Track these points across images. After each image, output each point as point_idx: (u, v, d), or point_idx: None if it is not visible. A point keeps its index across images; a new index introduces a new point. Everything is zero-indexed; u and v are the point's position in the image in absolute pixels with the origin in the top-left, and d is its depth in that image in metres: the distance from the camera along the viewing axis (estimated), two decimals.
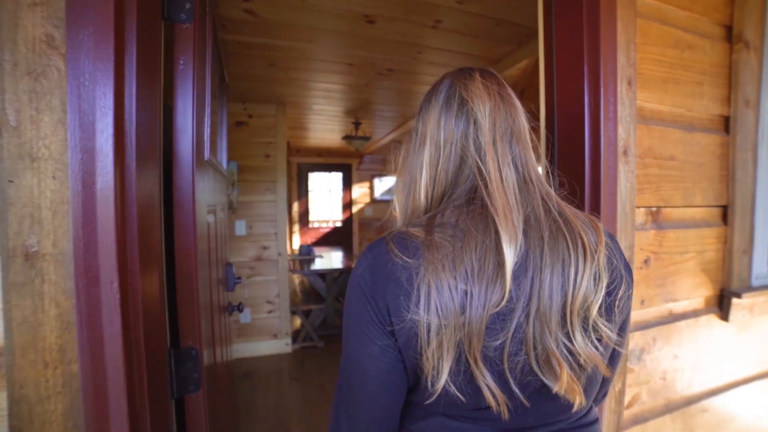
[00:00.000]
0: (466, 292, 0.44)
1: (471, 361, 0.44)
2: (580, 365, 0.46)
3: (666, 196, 0.94)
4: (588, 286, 0.46)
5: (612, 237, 0.56)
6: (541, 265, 0.45)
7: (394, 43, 2.07)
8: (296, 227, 6.43)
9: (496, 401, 0.44)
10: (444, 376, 0.44)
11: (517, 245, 0.45)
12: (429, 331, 0.44)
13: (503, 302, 0.44)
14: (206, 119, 0.95)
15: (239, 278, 1.79)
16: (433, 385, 0.45)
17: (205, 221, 0.94)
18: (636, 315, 0.90)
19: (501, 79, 0.57)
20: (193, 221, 0.77)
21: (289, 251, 5.50)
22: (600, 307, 0.47)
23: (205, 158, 0.96)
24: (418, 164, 0.56)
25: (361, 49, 2.15)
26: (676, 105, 0.94)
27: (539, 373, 0.45)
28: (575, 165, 0.87)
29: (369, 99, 3.23)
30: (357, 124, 4.15)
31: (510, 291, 0.44)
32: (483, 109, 0.52)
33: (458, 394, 0.45)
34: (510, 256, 0.44)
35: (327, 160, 6.47)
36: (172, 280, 0.77)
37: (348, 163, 6.61)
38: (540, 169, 0.57)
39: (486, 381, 0.44)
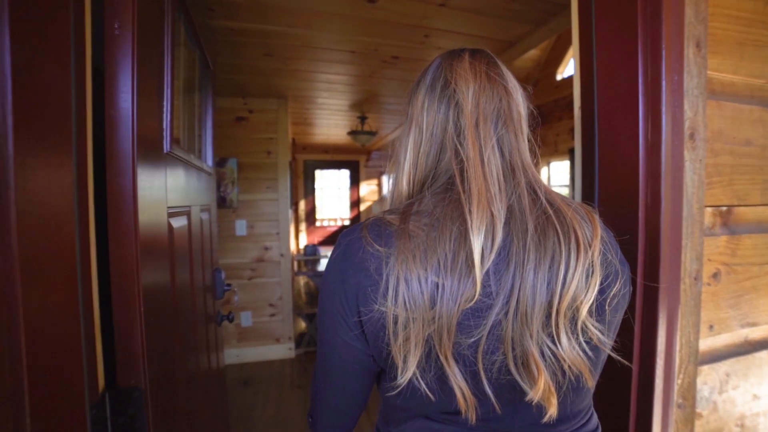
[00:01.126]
0: (437, 285, 0.42)
1: (441, 358, 0.42)
2: (563, 371, 0.43)
3: (741, 192, 0.74)
4: (579, 284, 0.43)
5: (607, 230, 0.50)
6: (523, 260, 0.42)
7: (399, 26, 1.88)
8: (303, 226, 6.30)
9: (466, 403, 0.42)
10: (410, 371, 0.42)
11: (494, 234, 0.42)
12: (396, 324, 0.42)
13: (476, 296, 0.41)
14: (165, 104, 0.79)
15: (228, 285, 1.63)
16: (398, 377, 0.43)
17: (163, 226, 0.78)
18: (703, 344, 0.70)
19: (494, 58, 0.54)
20: (133, 227, 0.60)
21: (295, 251, 5.37)
22: (591, 307, 0.44)
23: (165, 150, 0.79)
24: (403, 149, 0.55)
25: (363, 34, 1.96)
26: (754, 75, 0.74)
27: (516, 375, 0.43)
28: (624, 151, 0.67)
29: (374, 91, 3.05)
30: (363, 119, 3.97)
31: (483, 285, 0.42)
32: (466, 91, 0.49)
33: (427, 392, 0.43)
34: (477, 246, 0.41)
35: (334, 157, 6.32)
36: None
37: (356, 160, 6.44)
38: (529, 156, 0.52)
39: (457, 380, 0.42)
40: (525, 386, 0.43)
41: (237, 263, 3.22)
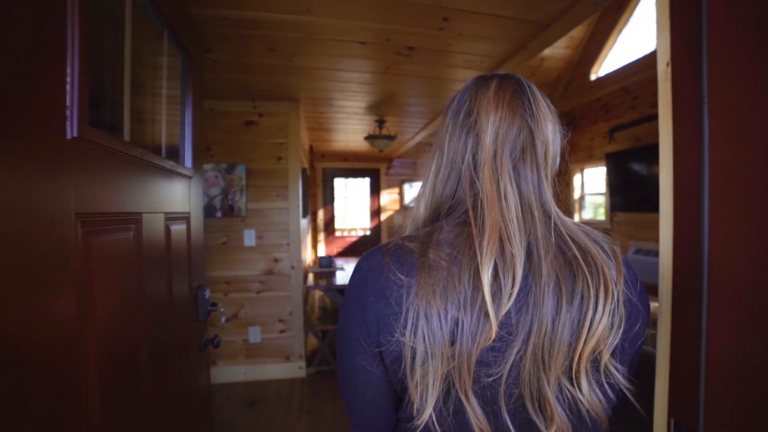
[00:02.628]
0: (457, 322, 0.41)
1: (461, 395, 0.41)
2: (580, 414, 0.43)
3: None
4: (605, 328, 0.42)
5: (628, 264, 0.48)
6: (542, 302, 0.41)
7: (413, 8, 1.64)
8: (322, 236, 6.12)
9: None
10: (428, 412, 0.42)
11: (514, 273, 0.41)
12: (414, 360, 0.42)
13: (492, 336, 0.41)
14: (70, 69, 0.57)
15: (214, 305, 1.41)
16: (417, 415, 0.42)
17: (62, 240, 0.55)
18: None
19: (522, 86, 0.51)
20: None
21: (311, 262, 5.18)
22: (615, 350, 0.44)
23: (70, 135, 0.58)
24: (427, 174, 0.55)
25: (373, 19, 1.74)
26: None
27: (533, 416, 0.42)
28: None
29: (391, 90, 2.82)
30: (381, 123, 3.75)
31: (505, 324, 0.42)
32: (486, 121, 0.49)
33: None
34: (486, 283, 0.41)
35: (353, 165, 6.14)
36: None
37: (376, 168, 6.24)
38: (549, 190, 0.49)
39: (477, 418, 0.41)
40: (541, 426, 0.42)
41: (245, 276, 3.04)
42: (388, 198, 6.26)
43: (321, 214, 6.11)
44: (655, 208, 0.65)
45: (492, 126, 0.48)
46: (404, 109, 3.36)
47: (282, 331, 3.10)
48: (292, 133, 3.08)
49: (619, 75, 4.40)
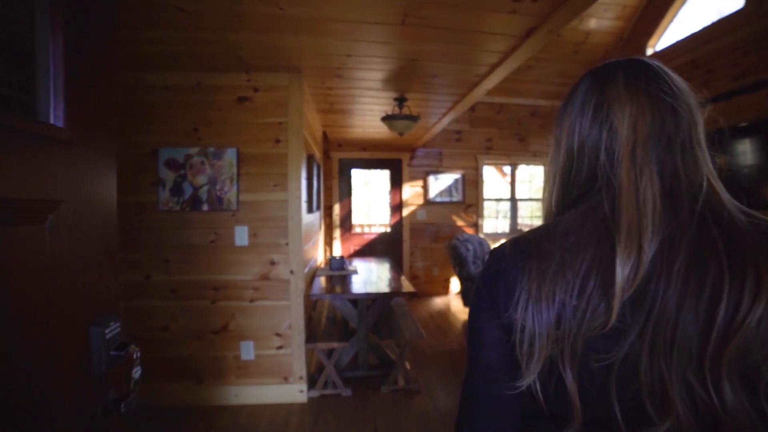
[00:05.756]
0: (564, 306, 0.44)
1: (564, 376, 0.44)
2: (714, 422, 0.39)
3: None
4: (760, 330, 0.38)
5: None
6: (664, 292, 0.41)
7: None
8: (338, 233, 5.62)
9: (577, 419, 0.44)
10: (530, 378, 0.46)
11: (638, 266, 0.41)
12: (522, 332, 0.46)
13: (609, 324, 0.41)
14: None
15: (121, 349, 0.90)
16: (520, 379, 0.46)
17: None
18: None
19: (655, 69, 0.49)
20: None
21: (324, 263, 4.69)
22: None
23: None
24: (551, 171, 0.56)
25: None
26: None
27: (649, 408, 0.41)
28: None
29: (410, 52, 2.24)
30: (401, 101, 3.17)
31: (618, 314, 0.41)
32: (621, 114, 0.47)
33: (543, 402, 0.47)
34: (621, 277, 0.41)
35: (373, 155, 5.58)
36: None
37: (397, 158, 5.66)
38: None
39: (575, 396, 0.44)
40: (655, 420, 0.41)
41: (236, 281, 2.57)
42: (411, 191, 5.67)
43: (337, 209, 5.61)
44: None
45: (629, 119, 0.47)
46: (428, 81, 2.77)
47: (280, 347, 2.61)
48: (294, 111, 2.56)
49: (685, 46, 3.70)
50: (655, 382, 0.41)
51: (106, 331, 0.86)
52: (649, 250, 0.41)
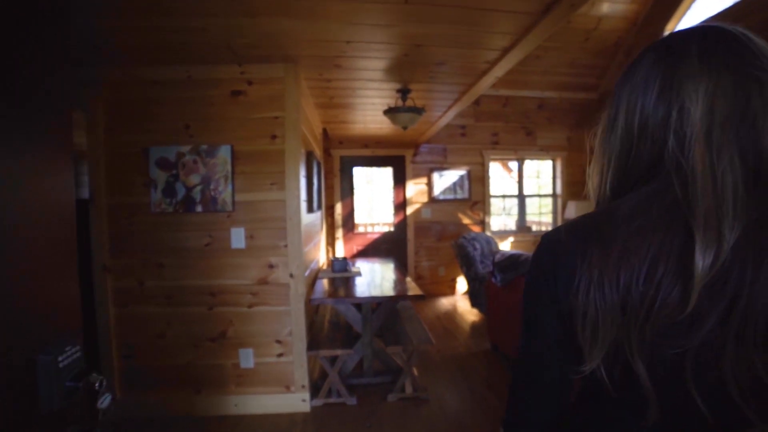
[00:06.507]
0: (629, 292, 0.43)
1: (632, 361, 0.43)
2: None
3: None
4: None
5: None
6: (751, 278, 0.38)
7: None
8: (340, 233, 5.48)
9: (654, 406, 0.43)
10: (594, 362, 0.45)
11: (717, 253, 0.39)
12: (585, 317, 0.45)
13: (686, 311, 0.40)
14: None
15: (76, 380, 0.76)
16: (584, 363, 0.46)
17: None
18: None
19: (741, 36, 0.43)
20: None
21: (326, 264, 4.55)
22: None
23: None
24: (607, 150, 0.53)
25: None
26: None
27: (741, 403, 0.39)
28: None
29: (413, 36, 2.08)
30: (404, 93, 3.02)
31: (696, 302, 0.40)
32: (694, 93, 0.43)
33: (610, 387, 0.45)
34: (701, 267, 0.39)
35: (375, 152, 5.43)
36: None
37: (400, 155, 5.50)
38: None
39: (646, 383, 0.42)
40: (749, 414, 0.39)
41: (233, 285, 2.43)
42: (415, 189, 5.51)
43: (339, 208, 5.46)
44: None
45: (705, 98, 0.42)
46: (433, 70, 2.61)
47: (280, 355, 2.47)
48: (291, 105, 2.41)
49: None
50: (743, 371, 0.39)
51: (60, 358, 0.71)
52: (730, 237, 0.39)
